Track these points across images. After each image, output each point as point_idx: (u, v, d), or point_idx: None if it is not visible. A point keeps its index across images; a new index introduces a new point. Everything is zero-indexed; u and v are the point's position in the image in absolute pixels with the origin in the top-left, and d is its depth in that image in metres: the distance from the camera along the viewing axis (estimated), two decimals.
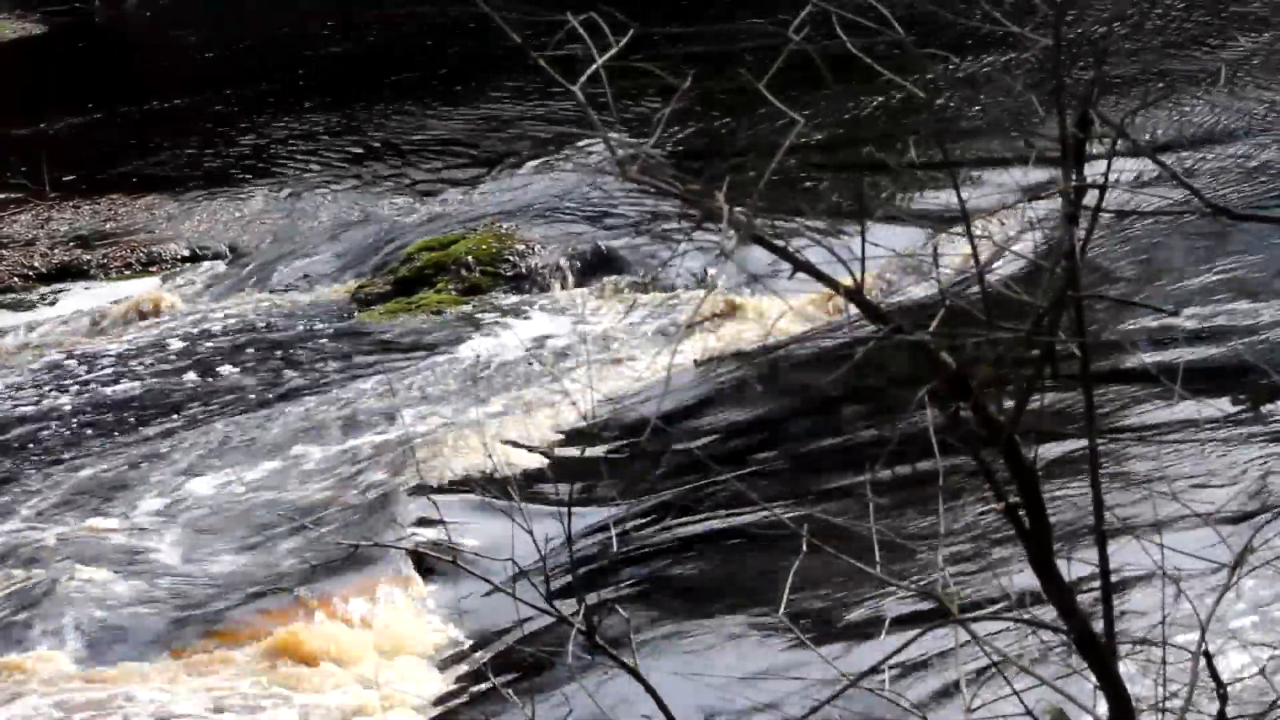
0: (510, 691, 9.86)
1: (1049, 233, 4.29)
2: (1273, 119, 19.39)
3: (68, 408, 17.25)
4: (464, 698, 10.91)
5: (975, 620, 4.64)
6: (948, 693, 8.96)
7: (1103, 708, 4.37)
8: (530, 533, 5.14)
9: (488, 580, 7.96)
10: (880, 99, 20.69)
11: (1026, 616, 4.60)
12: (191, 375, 17.74)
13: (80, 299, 21.17)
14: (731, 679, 9.90)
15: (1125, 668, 4.41)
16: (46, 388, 17.91)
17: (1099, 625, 4.34)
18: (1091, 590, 4.59)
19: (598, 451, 14.31)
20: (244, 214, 23.28)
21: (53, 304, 21.23)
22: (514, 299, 18.94)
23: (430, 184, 23.28)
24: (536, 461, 14.05)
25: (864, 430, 13.38)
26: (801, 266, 4.03)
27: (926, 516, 10.28)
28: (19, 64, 34.27)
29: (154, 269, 22.15)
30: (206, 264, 22.12)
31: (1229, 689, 4.64)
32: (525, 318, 18.33)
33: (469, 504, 13.22)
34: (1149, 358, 12.73)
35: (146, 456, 15.56)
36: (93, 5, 37.89)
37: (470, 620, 11.65)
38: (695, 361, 16.07)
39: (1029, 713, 4.72)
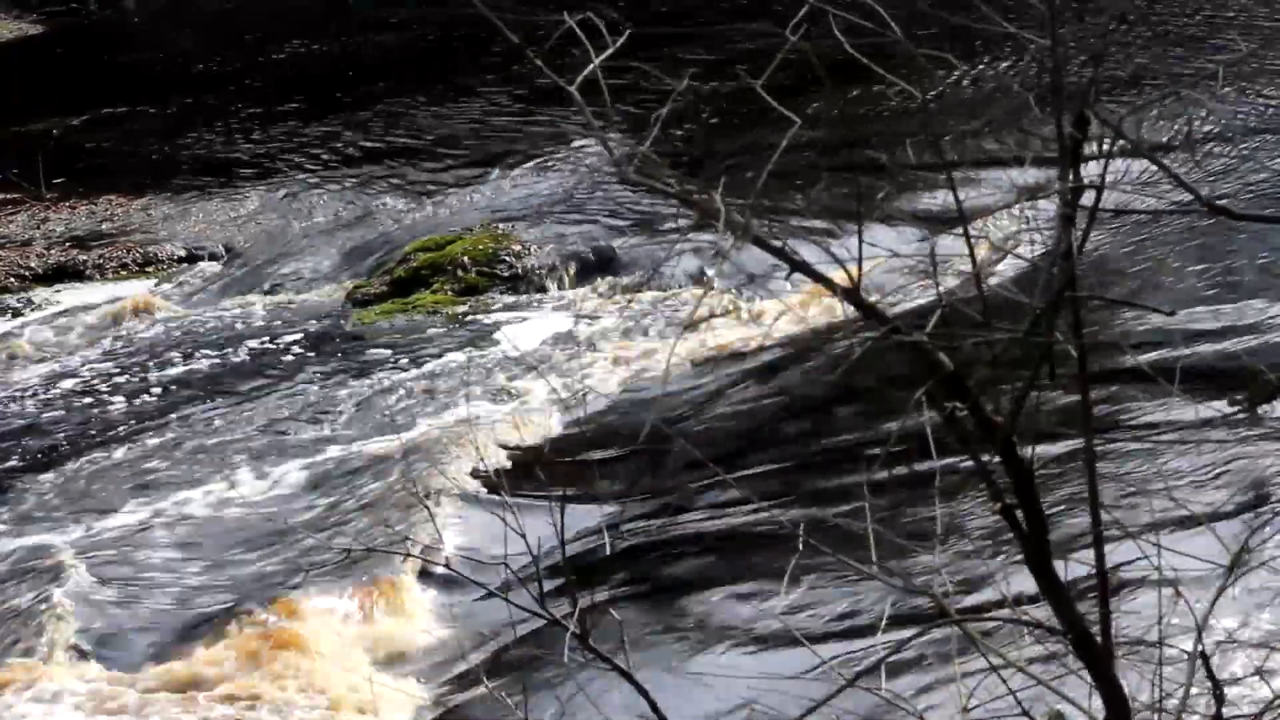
0: (504, 694, 9.86)
1: (1047, 233, 4.28)
2: (1272, 119, 19.39)
3: (62, 410, 17.23)
4: (457, 700, 10.90)
5: (972, 620, 4.64)
6: (944, 693, 8.95)
7: (1100, 708, 4.36)
8: (524, 535, 5.13)
9: (480, 584, 7.95)
10: (878, 99, 20.69)
11: (1023, 617, 4.59)
12: (186, 377, 17.73)
13: (76, 300, 21.15)
14: (726, 679, 9.89)
15: (1122, 668, 4.41)
16: (41, 390, 17.89)
17: (1096, 626, 4.33)
18: (1088, 591, 4.58)
19: (593, 452, 14.30)
20: (240, 215, 23.27)
21: (49, 305, 21.21)
22: (510, 299, 18.94)
23: (427, 184, 23.27)
24: (531, 463, 14.04)
25: (861, 430, 13.37)
26: (798, 266, 4.02)
27: (924, 517, 10.27)
28: (16, 64, 34.24)
29: (150, 270, 22.14)
30: (202, 265, 22.11)
31: (1225, 690, 4.64)
32: (522, 318, 18.32)
33: (463, 506, 13.21)
34: (1146, 358, 12.73)
35: (141, 459, 15.54)
36: (88, 6, 37.85)
37: (464, 623, 11.64)
38: (692, 362, 16.06)
39: (1025, 713, 4.72)
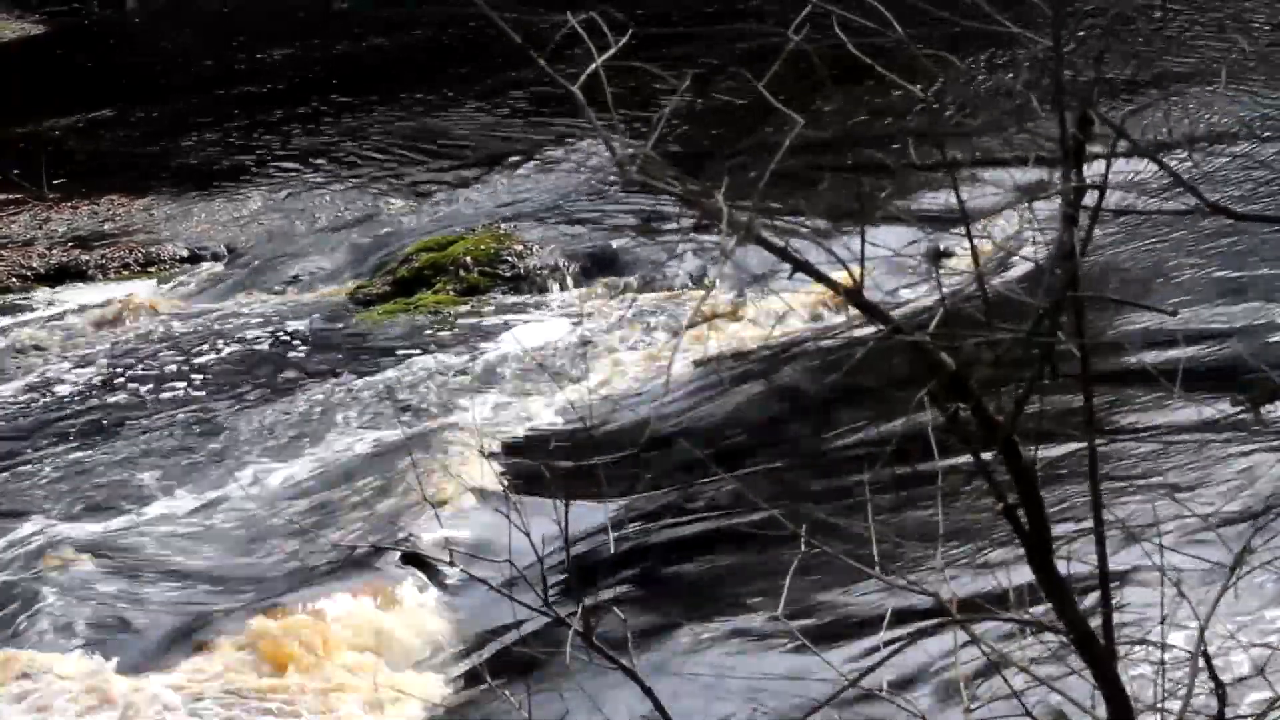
0: (508, 693, 9.86)
1: (1049, 234, 4.29)
2: (1273, 119, 19.39)
3: (63, 409, 17.23)
4: (462, 699, 10.90)
5: (974, 620, 4.64)
6: (947, 693, 8.96)
7: (1102, 708, 4.37)
8: (527, 534, 5.14)
9: (485, 582, 7.94)
10: (880, 99, 20.69)
11: (1025, 617, 4.59)
12: (188, 377, 17.73)
13: (78, 299, 21.16)
14: (730, 679, 9.89)
15: (1124, 668, 4.41)
16: (42, 389, 17.90)
17: (1098, 626, 4.34)
18: (1090, 591, 4.59)
19: (596, 452, 14.29)
20: (242, 215, 23.28)
21: (51, 304, 21.22)
22: (512, 299, 18.94)
23: (429, 184, 23.27)
24: (534, 462, 14.04)
25: (863, 430, 13.37)
26: (801, 266, 4.02)
27: (926, 517, 10.27)
28: (17, 65, 34.25)
29: (152, 270, 22.16)
30: (205, 265, 22.13)
31: (1228, 689, 4.64)
32: (523, 318, 18.33)
33: (466, 505, 13.21)
34: (1148, 358, 12.72)
35: (142, 458, 15.55)
36: (89, 6, 37.85)
37: (468, 622, 11.64)
38: (695, 362, 16.07)
39: (1028, 713, 4.72)
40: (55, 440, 16.37)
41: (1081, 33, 4.47)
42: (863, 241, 4.10)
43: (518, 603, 5.03)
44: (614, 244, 19.49)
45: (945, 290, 4.21)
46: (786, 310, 16.33)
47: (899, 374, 4.28)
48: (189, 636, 11.95)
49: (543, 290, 19.13)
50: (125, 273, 22.06)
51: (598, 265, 19.26)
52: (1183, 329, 13.64)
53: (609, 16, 4.24)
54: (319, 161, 24.73)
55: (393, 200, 22.89)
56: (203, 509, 14.27)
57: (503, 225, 20.39)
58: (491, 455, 14.03)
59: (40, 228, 23.46)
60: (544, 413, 15.40)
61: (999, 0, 4.53)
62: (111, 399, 17.36)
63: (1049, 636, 4.45)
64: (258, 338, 18.63)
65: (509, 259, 19.53)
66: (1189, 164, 17.62)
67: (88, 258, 22.29)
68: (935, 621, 4.83)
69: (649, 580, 11.83)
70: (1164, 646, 4.79)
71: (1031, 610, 4.59)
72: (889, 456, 9.50)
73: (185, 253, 22.43)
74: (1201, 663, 4.52)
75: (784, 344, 15.95)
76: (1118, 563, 4.59)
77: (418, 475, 13.64)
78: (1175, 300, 14.44)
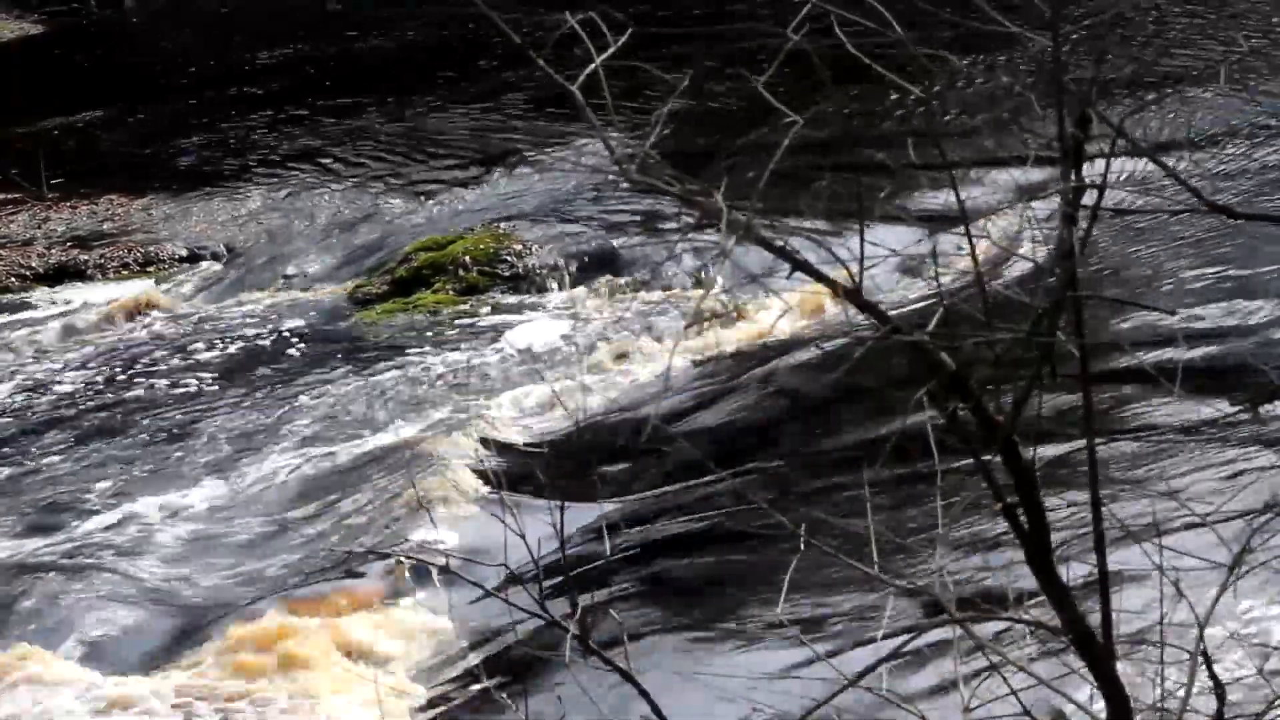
0: (504, 695, 9.85)
1: (1048, 233, 4.28)
2: (1273, 119, 19.38)
3: (60, 409, 17.22)
4: (458, 701, 10.89)
5: (973, 620, 4.64)
6: (946, 692, 8.95)
7: (1101, 708, 4.36)
8: (523, 536, 5.12)
9: (480, 585, 7.94)
10: (880, 99, 20.67)
11: (1025, 617, 4.59)
12: (186, 377, 17.72)
13: (78, 299, 21.14)
14: (727, 680, 9.88)
15: (1123, 668, 4.40)
16: (40, 389, 17.89)
17: (1097, 625, 4.33)
18: (1090, 590, 4.58)
19: (593, 453, 14.29)
20: (241, 214, 23.26)
21: (49, 304, 21.20)
22: (511, 299, 18.94)
23: (428, 184, 23.25)
24: (531, 463, 14.04)
25: (862, 430, 13.36)
26: (800, 266, 4.02)
27: (925, 516, 10.26)
28: (16, 64, 34.23)
29: (151, 269, 22.14)
30: (204, 264, 22.11)
31: (1227, 689, 4.64)
32: (523, 318, 18.32)
33: (463, 507, 13.20)
34: (1148, 358, 12.72)
35: (140, 458, 15.54)
36: (88, 6, 37.84)
37: (464, 624, 11.63)
38: (694, 361, 16.06)
39: (1027, 712, 4.71)
40: (50, 440, 16.36)
41: (1080, 32, 4.47)
42: (861, 241, 4.09)
43: (513, 605, 5.02)
44: (613, 243, 19.49)
45: (944, 290, 4.21)
46: (786, 310, 16.32)
47: (899, 374, 4.27)
48: (181, 638, 11.95)
49: (541, 290, 19.13)
50: (124, 272, 22.04)
51: (597, 264, 19.25)
52: (1183, 329, 13.63)
53: (609, 16, 4.23)
54: (318, 161, 24.71)
55: (392, 200, 22.87)
56: (196, 510, 14.25)
57: (502, 225, 20.38)
58: (488, 456, 14.02)
59: (39, 227, 23.45)
60: (541, 413, 15.38)
61: (998, 0, 4.52)
62: (108, 399, 17.35)
63: (1048, 636, 4.44)
64: (256, 337, 18.63)
65: (508, 258, 19.52)
66: (1188, 164, 17.61)
67: (87, 257, 22.28)
68: (934, 621, 4.81)
69: (646, 581, 11.82)
70: (1163, 646, 4.78)
71: (1031, 610, 4.59)
72: (888, 456, 9.49)
73: (184, 252, 22.41)
74: (1201, 662, 4.51)
75: (784, 344, 15.94)
76: (1117, 562, 4.58)
77: (413, 476, 13.63)
78: (1174, 300, 14.44)
